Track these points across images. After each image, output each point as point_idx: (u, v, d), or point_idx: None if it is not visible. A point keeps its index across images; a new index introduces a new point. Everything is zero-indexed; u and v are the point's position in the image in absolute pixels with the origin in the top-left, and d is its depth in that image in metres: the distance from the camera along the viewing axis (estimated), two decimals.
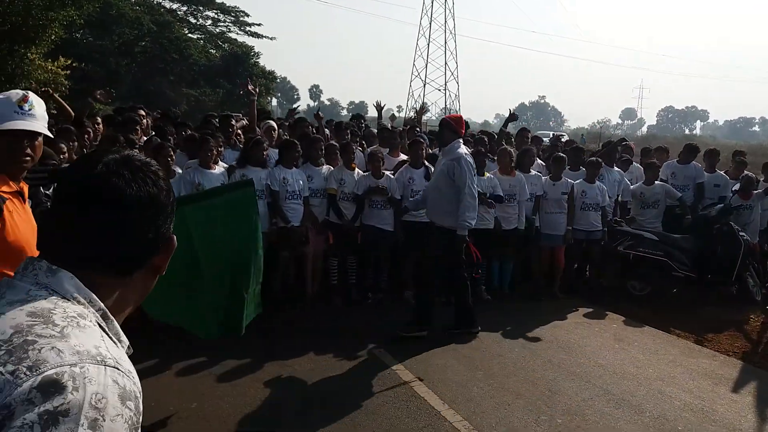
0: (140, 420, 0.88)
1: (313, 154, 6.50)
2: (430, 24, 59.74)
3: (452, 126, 5.68)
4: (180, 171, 5.73)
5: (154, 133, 6.91)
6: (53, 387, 0.78)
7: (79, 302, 0.92)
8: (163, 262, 1.05)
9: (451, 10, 59.31)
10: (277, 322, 5.75)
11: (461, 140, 5.73)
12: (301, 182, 6.22)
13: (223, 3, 41.39)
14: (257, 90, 7.00)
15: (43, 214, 4.43)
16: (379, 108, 9.45)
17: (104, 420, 0.80)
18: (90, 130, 6.13)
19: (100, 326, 0.93)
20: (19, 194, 2.28)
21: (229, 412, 4.01)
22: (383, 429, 3.86)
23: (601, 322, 6.41)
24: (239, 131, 7.05)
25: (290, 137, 7.32)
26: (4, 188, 2.19)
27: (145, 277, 1.03)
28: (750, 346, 5.82)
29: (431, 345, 5.42)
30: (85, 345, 0.85)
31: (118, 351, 0.91)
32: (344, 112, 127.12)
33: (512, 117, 8.41)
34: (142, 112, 7.45)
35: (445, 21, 59.28)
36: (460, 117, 5.96)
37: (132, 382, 0.88)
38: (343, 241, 6.55)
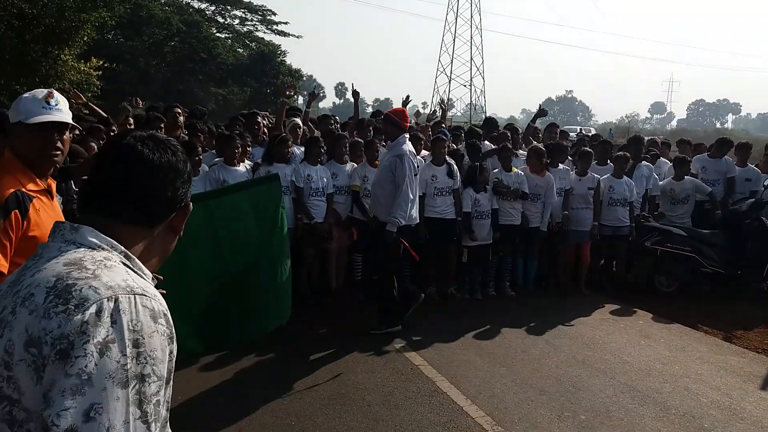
0: (173, 331, 1.09)
1: (338, 152, 6.56)
2: (456, 19, 59.48)
3: (395, 120, 5.52)
4: (206, 168, 5.84)
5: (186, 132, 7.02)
6: (98, 318, 0.97)
7: (102, 249, 1.11)
8: (180, 224, 1.24)
9: (477, 5, 58.99)
10: (301, 317, 5.83)
11: (407, 135, 5.58)
12: (325, 179, 6.29)
13: (250, 2, 41.78)
14: (292, 94, 7.14)
15: (74, 210, 4.58)
16: (405, 103, 9.51)
17: (143, 338, 1.00)
18: (117, 130, 6.27)
19: (125, 264, 1.11)
20: (47, 192, 2.36)
21: (255, 405, 4.08)
22: (406, 424, 3.89)
23: (627, 318, 6.34)
24: (265, 129, 7.14)
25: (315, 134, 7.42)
26: (31, 186, 2.28)
27: (165, 235, 1.23)
28: None
29: (454, 340, 5.44)
30: (115, 280, 1.03)
31: (143, 281, 1.11)
32: (369, 109, 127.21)
33: (541, 112, 8.36)
34: (179, 110, 7.53)
35: (471, 16, 58.98)
36: (403, 111, 5.85)
37: (159, 303, 1.08)
38: (368, 237, 6.60)
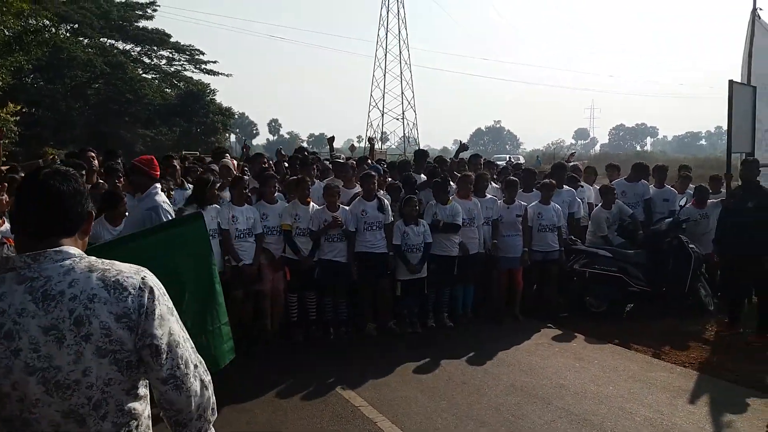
0: None
1: (267, 191, 6.47)
2: (386, 55, 60.81)
3: (143, 170, 4.82)
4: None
5: (104, 174, 6.76)
6: (147, 290, 1.58)
7: (83, 255, 1.60)
8: (89, 227, 1.69)
9: (405, 41, 60.68)
10: (234, 362, 5.63)
11: (158, 185, 4.89)
12: (252, 220, 6.17)
13: (177, 42, 41.26)
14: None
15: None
16: (330, 141, 9.85)
17: (165, 295, 1.64)
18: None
19: None
20: None
21: None
22: None
23: (561, 341, 6.47)
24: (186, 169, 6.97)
25: (246, 173, 7.33)
26: None
27: (82, 238, 1.67)
28: (705, 356, 5.93)
29: (394, 376, 5.38)
30: (124, 266, 1.62)
31: None
32: (304, 144, 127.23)
33: (462, 147, 8.59)
34: (92, 154, 7.27)
35: (400, 52, 60.51)
36: (152, 159, 5.06)
37: None
38: (301, 276, 6.50)
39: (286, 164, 8.33)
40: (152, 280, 1.61)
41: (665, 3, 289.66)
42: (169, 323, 1.60)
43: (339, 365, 5.70)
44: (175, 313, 1.65)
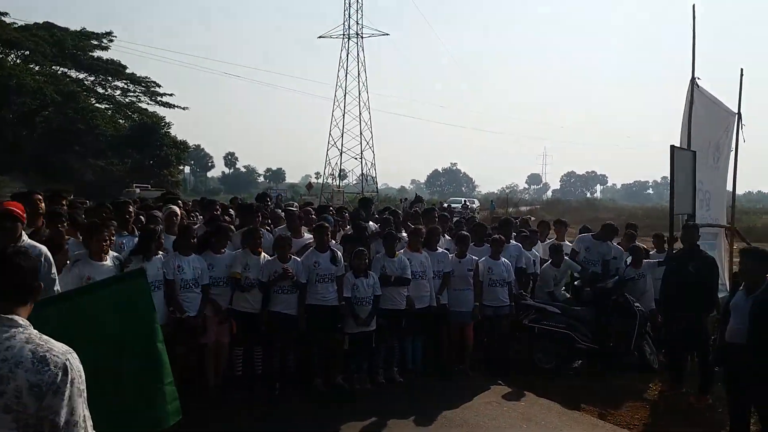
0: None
1: (218, 243, 6.33)
2: (345, 96, 61.46)
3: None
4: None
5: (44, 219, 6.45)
6: (67, 369, 1.87)
7: (28, 326, 1.95)
8: (38, 296, 2.09)
9: (365, 84, 61.43)
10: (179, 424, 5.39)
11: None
12: (199, 270, 6.00)
13: (133, 74, 40.85)
14: None
15: None
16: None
17: (80, 377, 1.93)
18: None
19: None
20: None
21: None
22: None
23: (510, 400, 6.44)
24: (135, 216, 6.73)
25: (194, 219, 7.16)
26: None
27: (31, 306, 2.04)
28: (648, 417, 6.00)
29: None
30: (57, 346, 1.92)
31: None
32: (261, 179, 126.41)
33: (418, 199, 8.67)
34: (39, 197, 6.90)
35: (359, 93, 61.23)
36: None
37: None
38: (248, 328, 6.32)
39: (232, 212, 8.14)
40: (74, 363, 1.91)
41: (614, 60, 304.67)
42: (74, 404, 1.87)
43: (282, 425, 5.51)
44: (85, 395, 1.93)
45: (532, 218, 10.84)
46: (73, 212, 6.84)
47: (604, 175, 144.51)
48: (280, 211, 8.46)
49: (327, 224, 6.89)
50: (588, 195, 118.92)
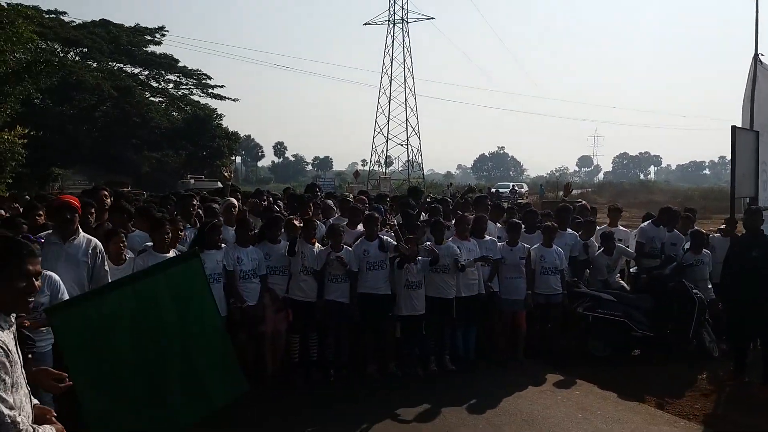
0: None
1: (271, 232, 6.49)
2: (390, 83, 61.23)
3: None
4: (131, 255, 5.62)
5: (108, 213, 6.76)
6: None
7: None
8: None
9: (410, 69, 61.03)
10: (232, 403, 5.62)
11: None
12: (257, 261, 6.18)
13: (185, 66, 41.84)
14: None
15: None
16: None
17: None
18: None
19: None
20: None
21: None
22: None
23: (564, 388, 6.39)
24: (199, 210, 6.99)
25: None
26: None
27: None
28: (709, 407, 5.86)
29: (393, 424, 5.33)
30: None
31: None
32: (309, 167, 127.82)
33: (470, 189, 8.62)
34: (105, 193, 7.24)
35: (405, 80, 60.88)
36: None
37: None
38: (304, 317, 6.48)
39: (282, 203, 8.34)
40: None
41: (670, 39, 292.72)
42: None
43: (337, 409, 5.66)
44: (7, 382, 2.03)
45: (582, 202, 10.58)
46: (145, 205, 7.17)
47: (658, 155, 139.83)
48: (330, 201, 8.57)
49: (377, 215, 6.96)
50: (641, 177, 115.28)
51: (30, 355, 3.17)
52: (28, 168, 20.62)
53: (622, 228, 8.78)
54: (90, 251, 4.87)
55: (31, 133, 16.35)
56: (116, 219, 6.33)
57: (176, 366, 3.74)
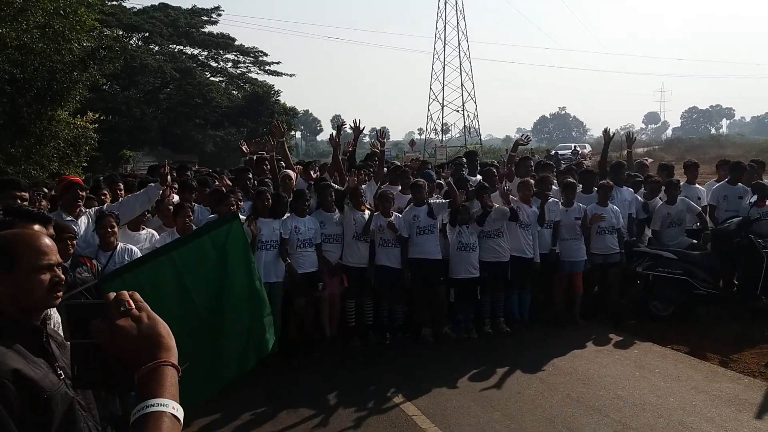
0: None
1: (325, 201, 6.64)
2: (444, 47, 60.17)
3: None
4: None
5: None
6: None
7: None
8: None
9: (464, 32, 59.70)
10: (293, 368, 5.90)
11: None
12: (313, 230, 6.35)
13: (241, 45, 42.40)
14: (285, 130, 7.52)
15: None
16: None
17: None
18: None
19: None
20: None
21: None
22: None
23: (622, 348, 6.32)
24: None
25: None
26: None
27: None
28: None
29: (448, 384, 5.43)
30: None
31: None
32: (366, 139, 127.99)
33: (518, 143, 8.42)
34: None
35: (458, 44, 59.68)
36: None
37: None
38: (358, 282, 6.64)
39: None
40: None
41: None
42: None
43: (394, 372, 5.82)
44: None
45: (650, 160, 10.16)
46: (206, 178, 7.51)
47: (730, 108, 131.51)
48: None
49: (422, 181, 6.98)
50: (713, 131, 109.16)
51: None
52: (100, 152, 21.65)
53: (698, 187, 8.40)
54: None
55: (101, 118, 17.13)
56: (182, 194, 6.67)
57: (225, 324, 3.94)
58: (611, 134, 8.42)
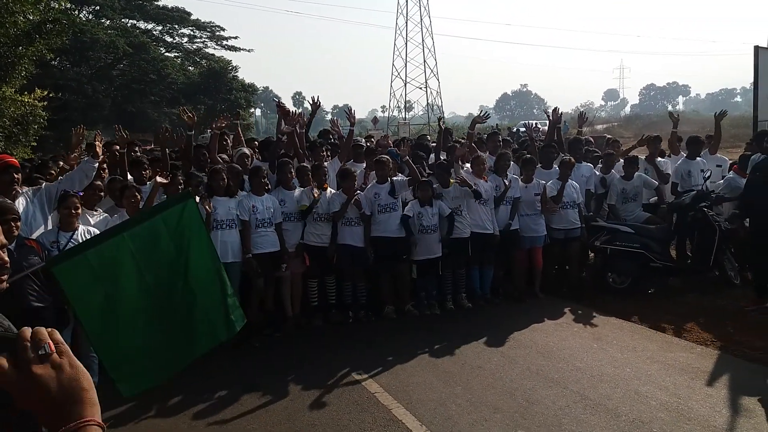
0: None
1: (284, 178, 6.51)
2: (407, 23, 59.79)
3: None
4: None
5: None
6: None
7: None
8: None
9: (426, 8, 59.45)
10: (255, 348, 5.83)
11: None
12: (273, 209, 6.22)
13: (197, 19, 41.28)
14: (224, 125, 7.33)
15: None
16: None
17: None
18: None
19: None
20: None
21: None
22: None
23: (580, 321, 6.44)
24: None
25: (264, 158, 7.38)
26: None
27: None
28: (728, 334, 5.84)
29: (411, 360, 5.44)
30: None
31: None
32: (328, 116, 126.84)
33: (478, 119, 8.35)
34: (117, 147, 7.37)
35: (421, 19, 59.43)
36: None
37: None
38: (320, 261, 6.57)
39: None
40: None
41: None
42: None
43: (357, 350, 5.80)
44: None
45: (608, 137, 10.29)
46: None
47: (686, 85, 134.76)
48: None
49: (386, 158, 6.90)
50: (669, 108, 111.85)
51: None
52: (51, 131, 20.85)
53: (661, 160, 8.50)
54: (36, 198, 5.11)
55: (51, 95, 16.42)
56: (133, 172, 6.47)
57: (181, 305, 3.82)
58: (559, 114, 8.47)
